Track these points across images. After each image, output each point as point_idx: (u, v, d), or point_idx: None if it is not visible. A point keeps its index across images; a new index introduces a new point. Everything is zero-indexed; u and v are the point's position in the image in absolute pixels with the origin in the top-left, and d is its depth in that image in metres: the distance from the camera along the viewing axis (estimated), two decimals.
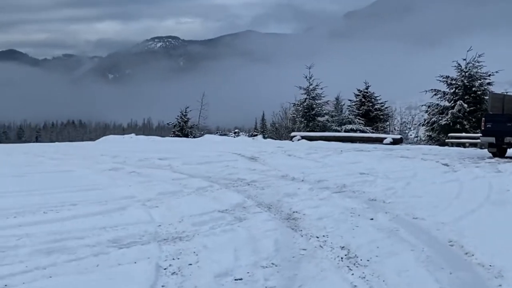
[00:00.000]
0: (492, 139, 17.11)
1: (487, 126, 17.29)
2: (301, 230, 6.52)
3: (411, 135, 41.49)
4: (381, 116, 35.97)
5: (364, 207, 7.97)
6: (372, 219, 7.18)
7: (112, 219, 6.68)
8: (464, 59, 31.20)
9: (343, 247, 5.78)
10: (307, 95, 33.18)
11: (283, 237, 6.13)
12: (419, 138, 36.74)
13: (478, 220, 7.23)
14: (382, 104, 36.04)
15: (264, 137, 34.20)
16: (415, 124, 42.11)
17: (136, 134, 32.10)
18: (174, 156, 14.74)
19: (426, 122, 32.77)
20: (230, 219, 6.96)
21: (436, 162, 15.19)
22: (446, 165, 14.40)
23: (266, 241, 5.88)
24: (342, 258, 5.41)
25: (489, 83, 30.89)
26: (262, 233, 6.24)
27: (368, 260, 5.32)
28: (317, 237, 6.19)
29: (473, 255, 5.56)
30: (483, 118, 17.82)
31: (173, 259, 5.21)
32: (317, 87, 33.04)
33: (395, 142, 25.64)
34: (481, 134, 17.89)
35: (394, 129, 43.17)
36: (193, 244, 5.72)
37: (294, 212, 7.54)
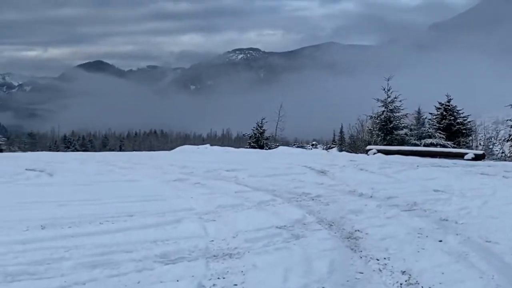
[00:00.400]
0: None
1: None
2: (361, 251, 6.10)
3: (496, 151, 39.62)
4: (464, 131, 34.43)
5: (433, 228, 7.42)
6: (440, 241, 6.66)
7: (165, 232, 6.50)
8: None
9: (404, 271, 5.33)
10: (385, 107, 32.22)
11: (340, 258, 5.74)
12: (504, 154, 34.91)
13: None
14: (465, 118, 34.50)
15: (339, 150, 33.56)
16: (499, 140, 40.17)
17: (214, 145, 32.26)
18: (241, 168, 14.54)
19: (511, 137, 31.12)
20: (287, 236, 6.62)
21: None
22: None
23: (320, 262, 5.51)
24: (401, 284, 4.97)
25: None
26: (318, 253, 5.87)
27: None
28: (377, 260, 5.75)
29: None
30: None
31: (218, 278, 4.95)
32: (395, 99, 32.02)
33: (477, 158, 24.37)
34: None
35: (479, 144, 41.41)
36: (242, 263, 5.43)
37: (356, 230, 7.11)
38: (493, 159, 31.87)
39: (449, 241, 6.66)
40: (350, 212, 8.39)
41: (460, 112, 34.32)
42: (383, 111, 32.44)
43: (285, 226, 7.16)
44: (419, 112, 35.07)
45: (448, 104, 34.16)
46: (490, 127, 53.08)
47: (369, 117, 34.42)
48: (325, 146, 49.13)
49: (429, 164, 18.57)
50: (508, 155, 33.00)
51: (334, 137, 74.15)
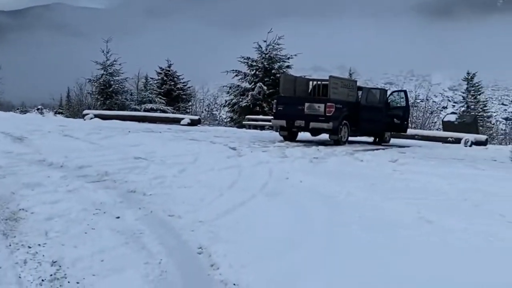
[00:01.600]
0: (283, 122, 16.76)
1: (279, 108, 16.90)
2: (15, 237, 4.98)
3: (220, 116, 41.19)
4: (184, 96, 34.98)
5: (116, 202, 6.60)
6: (118, 217, 5.86)
7: None
8: (265, 41, 31.24)
9: (55, 262, 4.36)
10: (104, 70, 31.00)
11: None
12: (222, 119, 36.44)
13: (243, 216, 6.24)
14: (185, 84, 35.04)
15: (55, 114, 31.40)
16: (219, 105, 41.83)
17: None
18: None
19: (227, 103, 32.41)
20: None
21: (225, 145, 14.37)
22: (234, 149, 13.60)
23: None
24: (43, 280, 4.00)
25: (288, 66, 31.28)
26: None
27: (78, 283, 3.96)
28: (29, 247, 4.70)
29: (218, 268, 4.47)
30: (275, 100, 17.43)
31: None
32: (115, 62, 31.02)
33: (193, 123, 24.73)
34: (272, 117, 17.52)
35: (204, 110, 42.60)
36: None
37: (21, 209, 5.94)
38: (216, 125, 32.89)
39: (127, 217, 5.90)
40: (26, 186, 7.13)
41: (180, 77, 34.64)
42: (102, 74, 31.12)
43: None
44: (146, 78, 34.61)
45: (168, 69, 34.20)
46: (216, 94, 55.02)
47: (87, 80, 32.78)
48: (55, 111, 45.71)
49: (142, 130, 17.99)
50: (226, 120, 34.36)
51: (61, 102, 70.11)
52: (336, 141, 16.56)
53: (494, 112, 75.39)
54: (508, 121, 79.11)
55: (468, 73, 46.37)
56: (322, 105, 16.12)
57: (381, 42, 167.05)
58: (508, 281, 4.54)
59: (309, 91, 18.42)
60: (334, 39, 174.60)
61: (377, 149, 15.82)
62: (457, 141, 20.40)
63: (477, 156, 15.05)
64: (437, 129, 37.27)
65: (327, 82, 16.85)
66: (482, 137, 20.99)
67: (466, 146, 19.46)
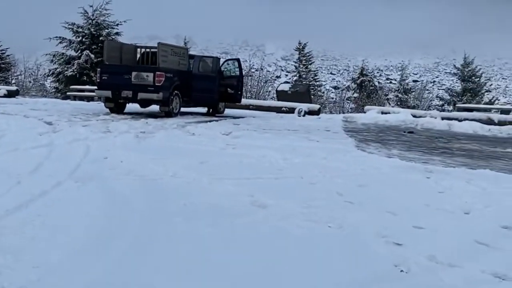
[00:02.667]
0: (108, 93, 15.28)
1: (103, 78, 15.38)
2: None
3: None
4: (2, 65, 31.80)
5: None
6: None
7: None
8: (91, 6, 29.02)
9: None
10: None
11: None
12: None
13: (40, 212, 4.96)
14: (3, 51, 31.82)
15: None
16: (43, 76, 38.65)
17: None
18: None
19: (51, 73, 29.83)
20: None
21: (40, 119, 12.69)
22: (50, 123, 12.01)
23: None
24: None
25: (117, 33, 29.39)
26: None
27: None
28: None
29: None
30: (99, 69, 15.87)
31: None
32: None
33: (10, 94, 22.25)
34: (96, 87, 15.95)
35: (32, 80, 39.28)
36: None
37: None
38: (37, 96, 30.22)
39: None
40: None
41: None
42: None
43: None
44: None
45: None
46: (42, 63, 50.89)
47: None
48: None
49: None
50: (50, 91, 31.78)
51: None
52: (167, 113, 15.47)
53: (324, 81, 78.75)
54: (336, 90, 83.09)
55: (299, 43, 47.39)
56: (151, 74, 14.89)
57: (217, 11, 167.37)
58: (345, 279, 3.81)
59: (137, 59, 17.04)
60: (171, 7, 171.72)
61: (210, 121, 15.00)
62: (291, 110, 20.24)
63: (311, 126, 14.80)
64: (271, 99, 37.65)
65: (156, 50, 15.59)
66: (315, 107, 21.05)
67: (300, 116, 19.34)
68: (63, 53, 29.21)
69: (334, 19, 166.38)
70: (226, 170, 7.45)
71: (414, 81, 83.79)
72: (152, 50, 16.41)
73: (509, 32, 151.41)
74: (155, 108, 16.31)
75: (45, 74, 33.80)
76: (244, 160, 8.31)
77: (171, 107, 15.43)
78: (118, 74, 15.21)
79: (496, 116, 16.24)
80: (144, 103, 16.17)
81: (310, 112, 20.00)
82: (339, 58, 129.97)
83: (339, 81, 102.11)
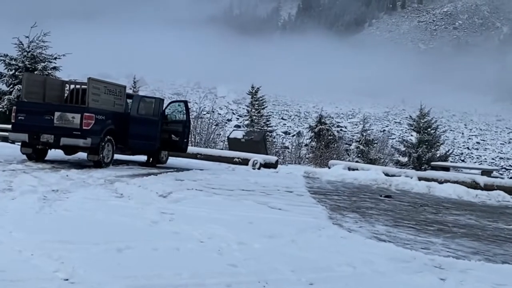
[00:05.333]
0: (24, 136, 12.53)
1: (19, 117, 12.63)
2: None
3: None
4: None
5: None
6: None
7: None
8: (27, 37, 26.15)
9: None
10: None
11: None
12: None
13: None
14: None
15: None
16: None
17: None
18: None
19: None
20: None
21: None
22: None
23: None
24: None
25: (55, 67, 26.49)
26: None
27: None
28: None
29: None
30: (14, 107, 13.13)
31: None
32: None
33: None
34: (11, 129, 13.17)
35: None
36: None
37: None
38: None
39: None
40: None
41: None
42: None
43: None
44: None
45: None
46: None
47: None
48: None
49: None
50: None
51: None
52: (96, 163, 12.83)
53: (275, 126, 76.96)
54: (286, 135, 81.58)
55: (252, 87, 45.79)
56: (78, 116, 12.26)
57: (171, 51, 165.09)
58: None
59: (65, 97, 14.38)
60: (124, 47, 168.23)
61: (148, 174, 12.39)
62: (245, 162, 17.82)
63: (269, 184, 12.37)
64: (222, 144, 35.23)
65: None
66: (272, 159, 18.64)
67: (254, 169, 16.95)
68: None
69: (285, 63, 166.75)
70: (152, 267, 4.94)
71: (364, 130, 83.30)
72: (83, 86, 13.74)
73: (454, 84, 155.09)
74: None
75: None
76: (182, 247, 5.81)
77: (101, 155, 12.79)
78: (37, 114, 12.51)
79: (481, 179, 14.20)
80: (69, 149, 13.49)
81: (266, 165, 17.62)
82: (290, 104, 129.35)
83: (290, 127, 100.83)
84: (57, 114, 12.36)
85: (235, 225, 7.26)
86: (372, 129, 46.54)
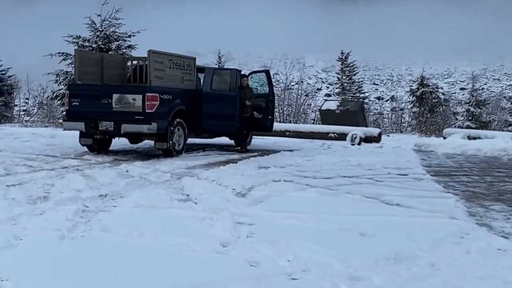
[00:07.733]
0: (80, 125, 10.67)
1: (73, 103, 10.79)
2: None
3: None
4: (5, 88, 28.15)
5: None
6: None
7: None
8: (99, 15, 24.66)
9: None
10: None
11: None
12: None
13: None
14: (4, 72, 28.10)
15: None
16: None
17: None
18: None
19: (54, 95, 25.73)
20: None
21: None
22: None
23: None
24: None
25: (130, 46, 24.88)
26: None
27: None
28: None
29: None
30: (67, 91, 11.31)
31: None
32: None
33: None
34: (65, 117, 11.37)
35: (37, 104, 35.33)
36: None
37: None
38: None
39: None
40: None
41: None
42: None
43: None
44: None
45: None
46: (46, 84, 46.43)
47: None
48: None
49: None
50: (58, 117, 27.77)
51: None
52: (165, 151, 10.83)
53: (367, 92, 73.48)
54: (379, 100, 78.37)
55: (342, 53, 43.21)
56: (139, 97, 10.26)
57: (255, 24, 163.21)
58: None
59: (128, 76, 12.41)
60: (209, 22, 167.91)
61: (227, 162, 10.25)
62: (342, 136, 15.32)
63: (376, 165, 9.90)
64: (313, 119, 32.73)
65: None
66: (374, 131, 15.97)
67: (353, 145, 14.45)
68: (67, 72, 24.78)
69: (373, 27, 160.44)
70: None
71: (462, 88, 77.54)
72: (146, 62, 11.66)
73: None
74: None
75: (48, 97, 29.51)
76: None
77: (170, 142, 10.73)
78: (94, 98, 10.60)
79: None
80: (133, 137, 11.55)
81: (367, 139, 15.02)
82: (382, 68, 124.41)
83: (383, 91, 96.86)
84: (115, 96, 10.38)
85: (341, 240, 4.98)
86: (483, 88, 42.53)
